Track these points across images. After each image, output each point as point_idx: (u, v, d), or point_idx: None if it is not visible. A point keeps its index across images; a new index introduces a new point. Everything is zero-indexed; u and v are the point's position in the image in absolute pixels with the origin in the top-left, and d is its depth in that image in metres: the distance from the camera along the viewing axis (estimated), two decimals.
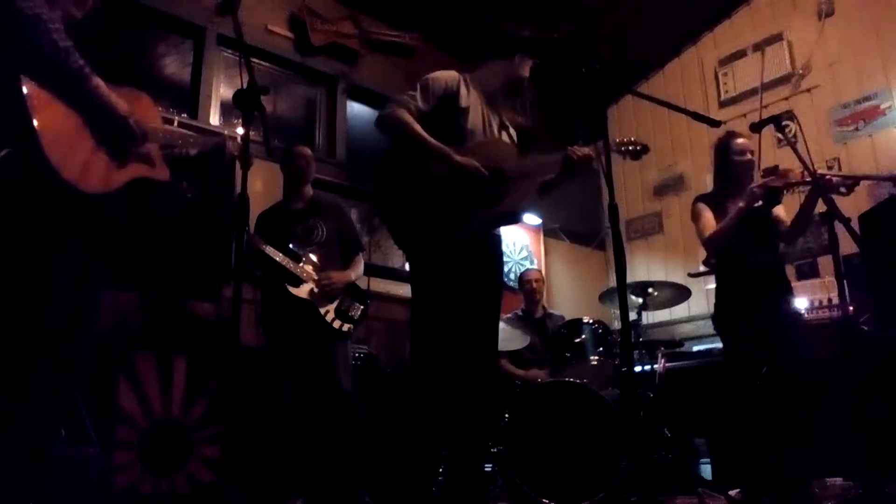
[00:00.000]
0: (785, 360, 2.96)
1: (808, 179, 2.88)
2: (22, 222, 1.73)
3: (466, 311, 2.38)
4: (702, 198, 3.33)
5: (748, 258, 3.10)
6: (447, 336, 2.32)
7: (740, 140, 3.25)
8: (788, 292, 3.14)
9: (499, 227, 2.56)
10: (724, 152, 3.28)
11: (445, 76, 2.52)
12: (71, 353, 1.90)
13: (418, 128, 2.38)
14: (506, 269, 5.58)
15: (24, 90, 1.69)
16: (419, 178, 2.37)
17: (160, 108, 2.72)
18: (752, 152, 3.24)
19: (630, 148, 2.56)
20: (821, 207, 2.73)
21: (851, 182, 2.92)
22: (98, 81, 1.83)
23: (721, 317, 3.19)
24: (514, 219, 2.62)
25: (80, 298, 1.91)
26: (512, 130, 2.70)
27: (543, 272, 5.80)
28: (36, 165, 1.68)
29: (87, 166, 1.81)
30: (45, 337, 1.79)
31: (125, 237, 2.05)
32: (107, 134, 1.90)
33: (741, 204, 3.05)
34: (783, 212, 3.20)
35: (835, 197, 2.68)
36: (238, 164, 2.09)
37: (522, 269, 5.76)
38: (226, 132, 2.50)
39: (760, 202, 3.04)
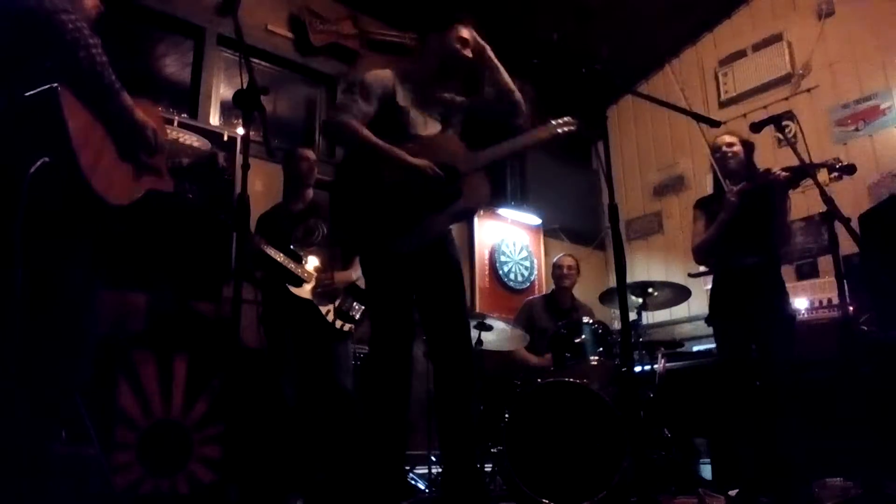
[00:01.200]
0: (777, 360, 2.97)
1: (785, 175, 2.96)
2: (48, 227, 1.77)
3: (428, 315, 2.41)
4: (699, 203, 3.36)
5: (735, 261, 3.13)
6: (389, 336, 2.35)
7: (718, 138, 3.27)
8: (780, 293, 3.14)
9: (455, 223, 2.53)
10: (713, 154, 3.31)
11: (381, 75, 2.48)
12: (76, 354, 1.92)
13: (367, 132, 2.34)
14: (506, 269, 5.58)
15: (61, 100, 1.72)
16: (372, 185, 2.33)
17: (160, 108, 2.76)
18: (729, 145, 3.22)
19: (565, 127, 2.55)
20: (821, 207, 2.73)
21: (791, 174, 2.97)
22: (127, 97, 1.91)
23: (712, 319, 3.23)
24: (469, 215, 2.60)
25: (87, 299, 1.95)
26: (454, 120, 2.61)
27: (543, 272, 5.81)
28: (70, 176, 1.73)
29: (112, 178, 1.89)
30: (56, 338, 1.83)
31: (127, 241, 2.09)
32: (130, 147, 1.98)
33: (722, 215, 3.09)
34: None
35: (835, 197, 2.68)
36: (237, 165, 2.12)
37: (522, 269, 5.77)
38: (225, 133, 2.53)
39: (737, 209, 3.06)
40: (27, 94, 1.70)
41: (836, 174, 3.07)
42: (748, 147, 3.26)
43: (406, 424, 2.38)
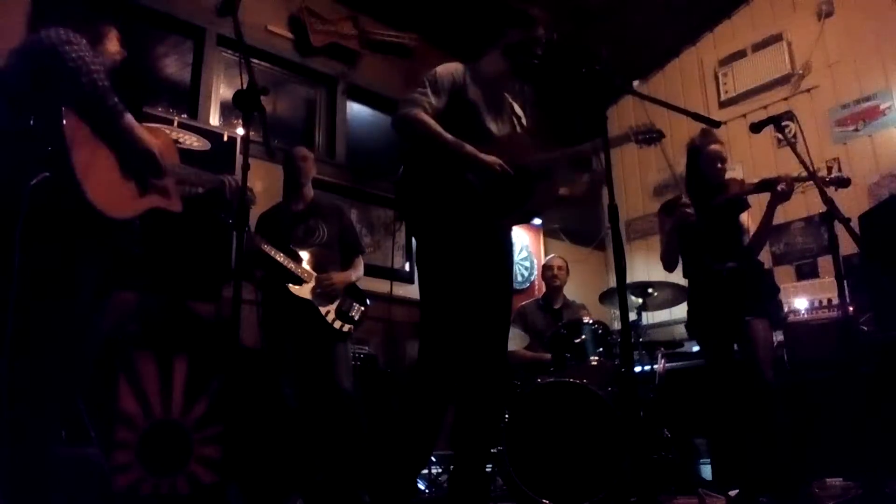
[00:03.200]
0: (758, 360, 2.94)
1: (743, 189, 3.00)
2: (54, 237, 1.93)
3: (480, 309, 2.33)
4: (665, 207, 3.27)
5: (712, 267, 3.09)
6: (458, 334, 2.26)
7: (713, 146, 3.17)
8: (760, 295, 3.11)
9: (521, 223, 2.52)
10: (694, 156, 3.23)
11: (451, 68, 2.44)
12: (81, 357, 2.01)
13: (438, 127, 2.29)
14: None
15: (65, 122, 1.92)
16: (444, 179, 2.30)
17: (171, 132, 2.94)
18: (723, 161, 3.17)
19: (646, 136, 2.46)
20: (821, 207, 2.73)
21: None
22: (130, 118, 2.07)
23: (691, 325, 3.21)
24: (537, 215, 2.58)
25: (96, 305, 2.07)
26: (522, 119, 2.60)
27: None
28: (68, 189, 1.90)
29: (113, 194, 2.04)
30: (66, 342, 1.94)
31: (138, 256, 2.23)
32: (134, 166, 2.12)
33: (668, 229, 3.13)
34: (748, 219, 3.18)
35: (834, 197, 2.68)
36: (237, 165, 2.20)
37: (522, 270, 5.78)
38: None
39: (690, 222, 3.05)
40: (35, 118, 1.92)
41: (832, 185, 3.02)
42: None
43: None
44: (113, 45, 2.30)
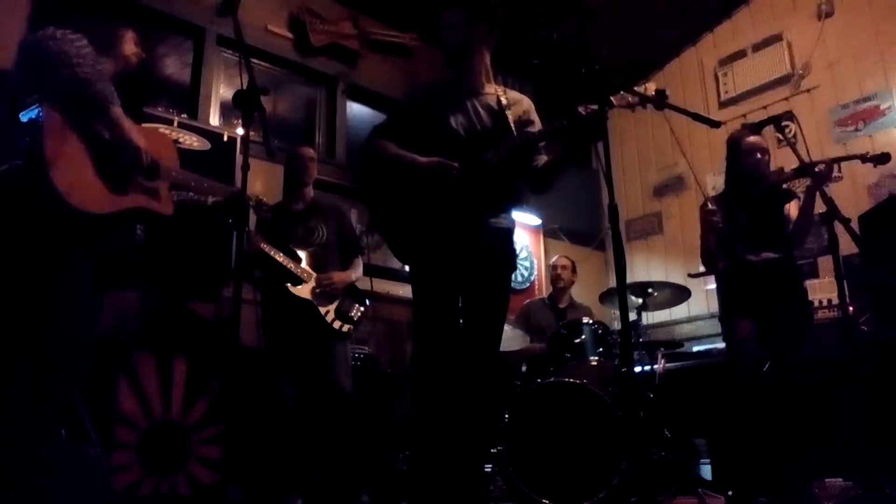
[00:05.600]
0: (790, 362, 2.93)
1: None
2: (36, 230, 1.95)
3: (471, 310, 2.35)
4: (708, 202, 3.24)
5: (747, 258, 3.06)
6: (448, 337, 2.28)
7: (750, 139, 3.15)
8: (797, 292, 3.09)
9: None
10: (733, 149, 3.21)
11: (419, 87, 2.53)
12: (75, 354, 1.96)
13: (391, 148, 2.36)
14: None
15: (43, 114, 1.93)
16: (394, 194, 2.36)
17: (164, 107, 2.88)
18: (763, 151, 3.14)
19: (644, 97, 2.37)
20: (821, 207, 2.73)
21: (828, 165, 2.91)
22: (118, 111, 2.04)
23: (725, 317, 3.17)
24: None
25: (90, 303, 2.07)
26: (509, 110, 2.50)
27: (543, 272, 5.81)
28: (36, 178, 1.90)
29: (86, 188, 2.01)
30: (58, 339, 1.94)
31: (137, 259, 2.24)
32: (116, 161, 2.09)
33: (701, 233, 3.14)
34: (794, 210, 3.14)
35: (834, 197, 2.68)
36: (237, 165, 2.19)
37: (522, 270, 5.77)
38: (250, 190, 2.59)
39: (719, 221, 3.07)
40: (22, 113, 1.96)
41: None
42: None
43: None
44: (129, 47, 2.31)
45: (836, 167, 3.19)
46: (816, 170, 2.89)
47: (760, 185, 3.11)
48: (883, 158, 2.87)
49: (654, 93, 2.20)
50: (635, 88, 2.19)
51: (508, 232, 2.47)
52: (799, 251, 3.20)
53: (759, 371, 3.00)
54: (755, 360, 3.01)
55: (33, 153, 1.91)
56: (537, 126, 2.50)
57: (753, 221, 3.07)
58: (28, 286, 1.93)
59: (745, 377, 2.98)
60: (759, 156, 3.13)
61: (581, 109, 2.24)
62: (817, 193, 2.87)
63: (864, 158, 2.80)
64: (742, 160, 3.16)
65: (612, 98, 2.17)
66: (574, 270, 4.56)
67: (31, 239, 1.96)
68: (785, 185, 3.19)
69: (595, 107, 2.18)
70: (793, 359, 2.94)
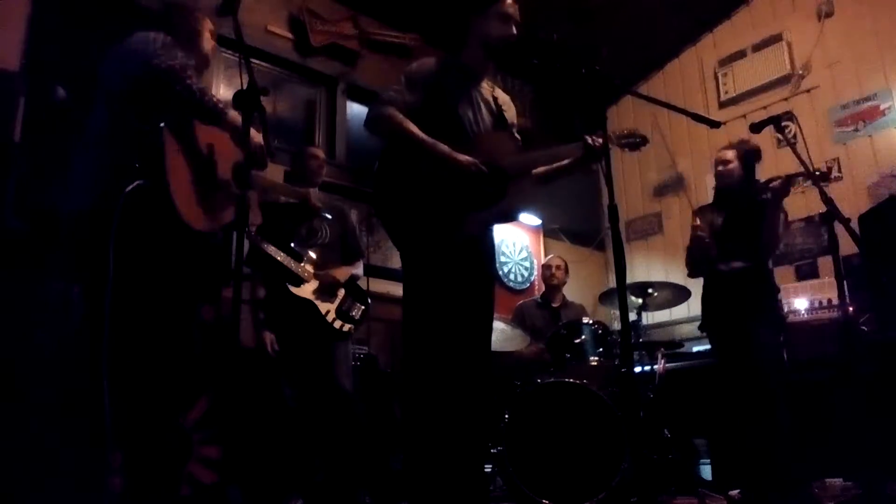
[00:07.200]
0: (766, 361, 2.97)
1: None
2: (143, 244, 2.04)
3: (460, 312, 2.33)
4: (696, 211, 3.40)
5: (718, 267, 3.19)
6: (440, 336, 2.27)
7: (719, 152, 3.33)
8: (768, 296, 3.16)
9: (495, 224, 2.52)
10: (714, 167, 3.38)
11: (426, 63, 2.41)
12: (168, 368, 2.20)
13: (411, 125, 2.28)
14: (505, 269, 5.58)
15: (164, 138, 2.03)
16: (416, 178, 2.28)
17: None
18: (722, 163, 3.27)
19: (629, 140, 2.48)
20: (821, 207, 2.72)
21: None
22: (234, 114, 2.11)
23: (706, 326, 3.30)
24: (511, 218, 2.55)
25: (182, 316, 2.28)
26: (505, 111, 2.53)
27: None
28: (161, 199, 2.02)
29: (194, 206, 2.14)
30: (153, 349, 2.10)
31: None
32: (213, 175, 2.20)
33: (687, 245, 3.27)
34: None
35: (834, 197, 2.68)
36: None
37: (522, 270, 5.77)
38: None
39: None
40: (141, 125, 2.03)
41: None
42: (749, 156, 3.26)
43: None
44: (208, 41, 2.35)
45: (835, 167, 3.26)
46: (772, 185, 3.02)
47: (734, 196, 3.24)
48: (824, 177, 2.89)
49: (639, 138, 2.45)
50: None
51: (492, 228, 2.52)
52: (771, 260, 3.31)
53: (743, 374, 3.04)
54: (742, 365, 3.06)
55: (156, 173, 1.99)
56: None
57: (729, 231, 3.18)
58: (133, 296, 2.01)
59: (734, 381, 3.08)
60: (718, 168, 3.29)
61: (589, 139, 2.33)
62: (782, 205, 3.07)
63: (811, 176, 2.81)
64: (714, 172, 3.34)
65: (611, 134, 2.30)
66: (567, 270, 4.61)
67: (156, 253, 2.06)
68: (764, 196, 3.22)
69: (601, 140, 2.24)
70: (770, 366, 2.98)
